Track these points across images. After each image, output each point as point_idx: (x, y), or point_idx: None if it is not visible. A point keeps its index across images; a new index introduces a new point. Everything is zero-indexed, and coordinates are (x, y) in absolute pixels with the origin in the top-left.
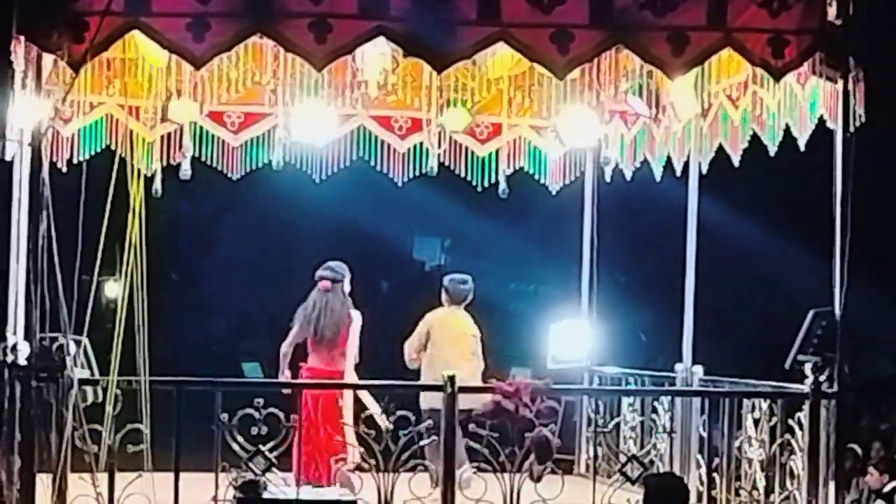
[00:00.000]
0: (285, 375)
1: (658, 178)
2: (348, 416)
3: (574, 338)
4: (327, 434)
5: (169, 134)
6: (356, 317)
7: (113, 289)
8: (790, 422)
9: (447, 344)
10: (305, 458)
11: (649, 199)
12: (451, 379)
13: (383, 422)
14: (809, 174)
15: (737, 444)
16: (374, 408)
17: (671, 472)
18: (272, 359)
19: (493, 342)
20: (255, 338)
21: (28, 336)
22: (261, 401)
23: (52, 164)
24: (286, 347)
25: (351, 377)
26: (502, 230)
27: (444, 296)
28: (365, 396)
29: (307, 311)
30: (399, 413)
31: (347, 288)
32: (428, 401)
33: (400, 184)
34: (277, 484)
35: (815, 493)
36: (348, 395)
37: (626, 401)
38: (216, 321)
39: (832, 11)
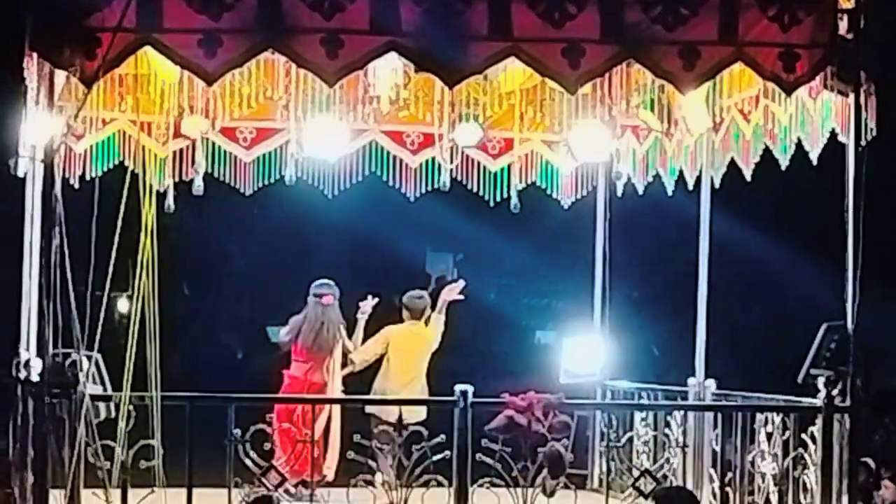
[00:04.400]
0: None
1: (670, 193)
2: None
3: (587, 352)
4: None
5: (181, 150)
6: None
7: (125, 304)
8: (803, 436)
9: (404, 359)
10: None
11: (661, 213)
12: (464, 394)
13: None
14: (821, 188)
15: (750, 458)
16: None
17: (680, 486)
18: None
19: (507, 355)
20: (267, 352)
21: (41, 352)
22: (273, 416)
23: (65, 181)
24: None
25: (338, 387)
26: (514, 245)
27: (404, 312)
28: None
29: (310, 322)
30: (412, 428)
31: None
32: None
33: (412, 199)
34: (290, 500)
35: None
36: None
37: (638, 415)
38: (228, 336)
39: (843, 25)
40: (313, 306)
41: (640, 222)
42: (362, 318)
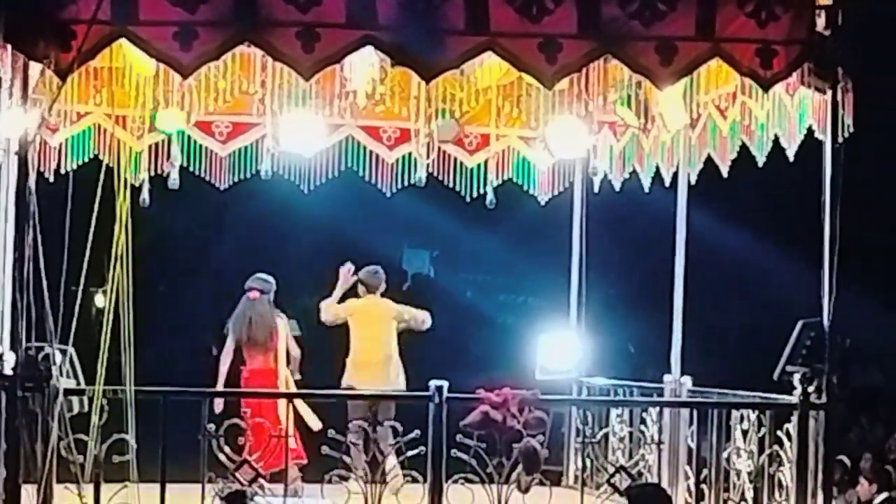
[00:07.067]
0: (222, 377)
1: (647, 189)
2: (270, 417)
3: (563, 349)
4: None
5: (157, 144)
6: (282, 322)
7: (100, 299)
8: (779, 433)
9: (369, 332)
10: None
11: (638, 209)
12: (439, 389)
13: (314, 422)
14: (798, 184)
15: (725, 455)
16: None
17: (654, 483)
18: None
19: (483, 353)
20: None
21: (14, 346)
22: (248, 410)
23: (39, 174)
24: (225, 356)
25: (284, 376)
26: (491, 241)
27: (360, 288)
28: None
29: (238, 319)
30: (387, 424)
31: (271, 299)
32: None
33: (388, 194)
34: (264, 495)
35: None
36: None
37: (614, 412)
38: (203, 331)
39: (821, 22)
40: (243, 301)
41: (617, 219)
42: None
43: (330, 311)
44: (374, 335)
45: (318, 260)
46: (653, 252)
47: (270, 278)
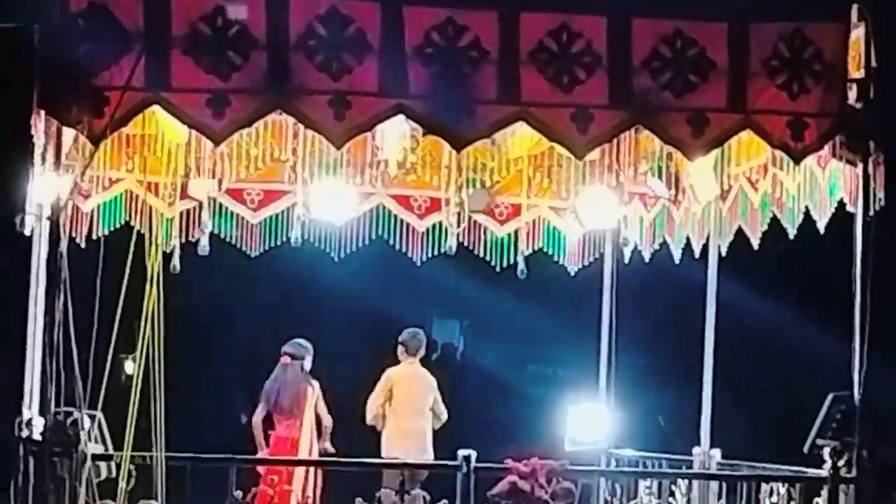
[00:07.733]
0: (262, 445)
1: (677, 260)
2: (297, 485)
3: (592, 420)
4: None
5: (188, 210)
6: (313, 390)
7: (129, 365)
8: None
9: (408, 399)
10: None
11: (668, 280)
12: (467, 459)
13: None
14: (829, 256)
15: None
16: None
17: None
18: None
19: (511, 423)
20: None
21: (43, 411)
22: (275, 478)
23: (71, 239)
24: (256, 419)
25: (308, 446)
26: (521, 311)
27: (400, 350)
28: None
29: (270, 383)
30: (414, 492)
31: (308, 365)
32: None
33: (419, 263)
34: None
35: None
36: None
37: (643, 483)
38: (232, 398)
39: (852, 95)
40: (277, 366)
41: (647, 290)
42: None
43: (371, 412)
44: (416, 406)
45: (348, 328)
46: (683, 323)
47: (307, 344)
